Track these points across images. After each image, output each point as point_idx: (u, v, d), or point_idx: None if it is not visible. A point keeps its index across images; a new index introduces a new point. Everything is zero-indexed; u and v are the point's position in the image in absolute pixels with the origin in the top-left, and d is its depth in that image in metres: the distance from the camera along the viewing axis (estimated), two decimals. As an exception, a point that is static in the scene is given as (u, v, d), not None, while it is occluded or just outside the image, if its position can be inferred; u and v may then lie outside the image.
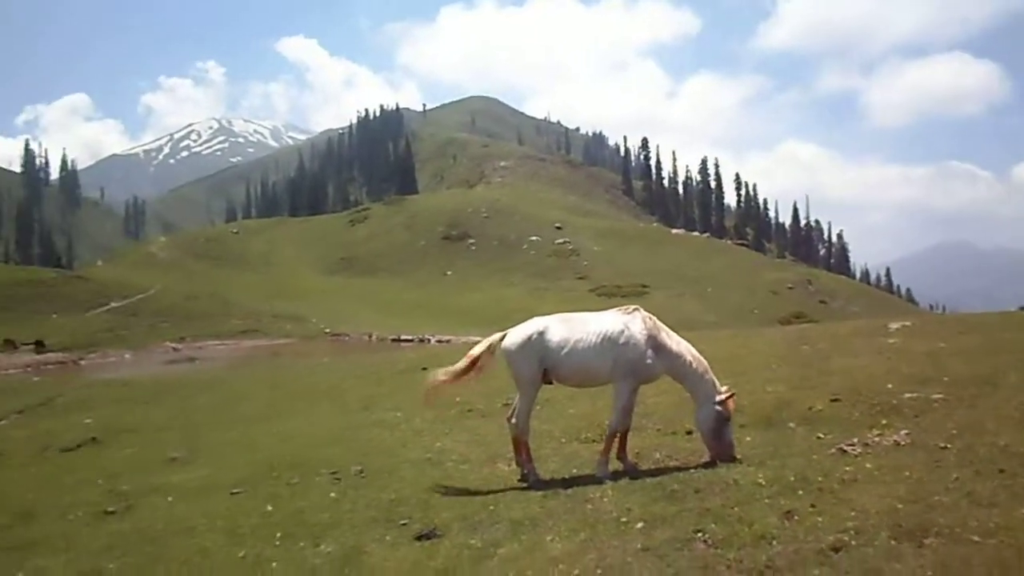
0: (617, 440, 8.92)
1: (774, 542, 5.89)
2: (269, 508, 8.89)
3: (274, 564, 6.99)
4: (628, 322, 8.88)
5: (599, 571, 5.84)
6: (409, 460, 10.68)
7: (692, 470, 8.32)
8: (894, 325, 19.06)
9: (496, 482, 9.04)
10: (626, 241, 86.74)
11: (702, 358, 8.98)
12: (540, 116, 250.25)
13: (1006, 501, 5.98)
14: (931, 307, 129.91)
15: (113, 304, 62.27)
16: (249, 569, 6.97)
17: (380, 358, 30.80)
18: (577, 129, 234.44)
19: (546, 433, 11.36)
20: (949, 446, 7.85)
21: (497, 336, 9.27)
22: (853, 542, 5.66)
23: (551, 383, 9.12)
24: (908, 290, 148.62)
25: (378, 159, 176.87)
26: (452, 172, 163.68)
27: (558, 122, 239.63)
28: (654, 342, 8.82)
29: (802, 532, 6.00)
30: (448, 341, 35.46)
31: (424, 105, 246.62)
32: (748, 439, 9.46)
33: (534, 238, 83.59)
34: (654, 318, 9.06)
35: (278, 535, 7.80)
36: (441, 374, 9.46)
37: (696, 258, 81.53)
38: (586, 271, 74.70)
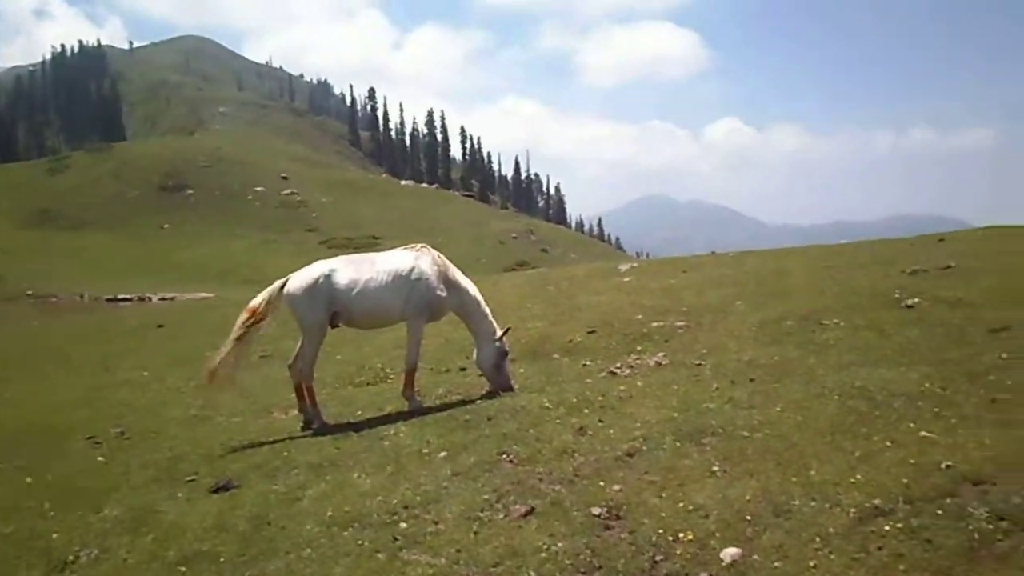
0: (404, 377, 9.03)
1: (575, 454, 6.39)
2: (28, 480, 7.96)
3: (54, 535, 6.32)
4: (418, 259, 8.97)
5: (418, 498, 5.98)
6: (174, 418, 10.09)
7: (478, 401, 8.72)
8: (623, 266, 20.91)
9: (278, 431, 8.87)
10: (356, 192, 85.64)
11: (481, 296, 9.31)
12: (261, 61, 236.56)
13: (762, 403, 6.95)
14: (637, 254, 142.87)
15: None
16: (23, 544, 6.23)
17: (101, 318, 28.06)
18: (301, 76, 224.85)
19: (317, 380, 11.13)
20: (703, 363, 8.91)
21: (277, 284, 8.91)
22: (644, 447, 6.29)
23: (337, 327, 9.00)
24: (618, 239, 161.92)
25: (78, 101, 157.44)
26: (166, 117, 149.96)
27: (281, 68, 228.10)
28: (445, 278, 9.03)
29: (598, 444, 6.55)
30: (172, 299, 32.97)
31: (131, 43, 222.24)
32: (522, 370, 10.07)
33: (260, 189, 79.65)
34: (441, 255, 9.23)
35: (47, 506, 7.04)
36: (223, 352, 8.77)
37: (425, 209, 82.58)
38: (316, 223, 72.69)
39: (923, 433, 5.68)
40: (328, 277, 8.70)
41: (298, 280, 8.77)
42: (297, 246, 61.76)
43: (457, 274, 9.19)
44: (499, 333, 9.14)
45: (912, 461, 5.19)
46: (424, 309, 8.93)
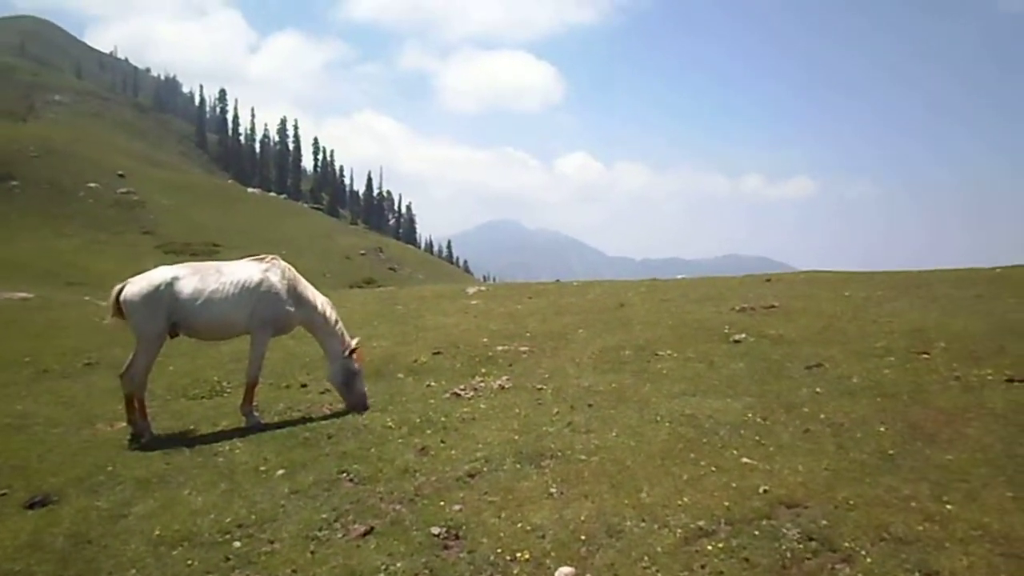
0: (244, 391, 8.73)
1: (416, 474, 6.41)
2: None
3: None
4: (267, 271, 8.73)
5: (253, 517, 5.79)
6: (-18, 427, 9.18)
7: (320, 420, 8.55)
8: (471, 289, 21.20)
9: (103, 444, 8.29)
10: (198, 197, 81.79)
11: (334, 312, 9.16)
12: (105, 50, 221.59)
13: (599, 427, 7.23)
14: (484, 278, 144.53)
15: None
16: None
17: None
18: (148, 70, 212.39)
19: (147, 391, 10.59)
20: (544, 387, 9.14)
21: (116, 288, 8.44)
22: (485, 468, 6.40)
23: (176, 336, 8.59)
24: (466, 262, 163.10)
25: None
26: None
27: (126, 60, 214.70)
28: (294, 292, 8.82)
29: (439, 464, 6.60)
30: None
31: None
32: (365, 389, 9.88)
33: (93, 185, 74.38)
34: (292, 268, 9.02)
35: None
36: None
37: (271, 219, 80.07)
38: (153, 225, 68.69)
39: (745, 460, 6.09)
40: (170, 285, 8.31)
41: (137, 286, 8.32)
42: (131, 248, 58.16)
43: (307, 289, 9.00)
44: (349, 348, 9.01)
45: (734, 485, 5.57)
46: (270, 323, 8.69)
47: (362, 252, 74.45)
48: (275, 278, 8.73)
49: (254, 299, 8.55)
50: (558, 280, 26.52)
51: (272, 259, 9.00)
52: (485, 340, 12.44)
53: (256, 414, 8.69)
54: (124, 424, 8.60)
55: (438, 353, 11.86)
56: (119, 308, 8.37)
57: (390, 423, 7.96)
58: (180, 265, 8.72)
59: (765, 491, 5.41)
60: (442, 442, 7.21)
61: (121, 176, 79.41)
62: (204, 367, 12.39)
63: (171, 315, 8.29)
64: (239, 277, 8.56)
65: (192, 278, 8.42)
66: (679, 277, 22.81)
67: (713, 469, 5.95)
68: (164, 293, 8.26)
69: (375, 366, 11.31)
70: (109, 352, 13.93)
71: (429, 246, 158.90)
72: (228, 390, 10.67)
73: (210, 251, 57.13)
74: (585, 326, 13.13)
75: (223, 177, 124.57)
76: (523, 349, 11.67)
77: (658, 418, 7.35)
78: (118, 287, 8.44)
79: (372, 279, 59.52)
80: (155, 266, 8.77)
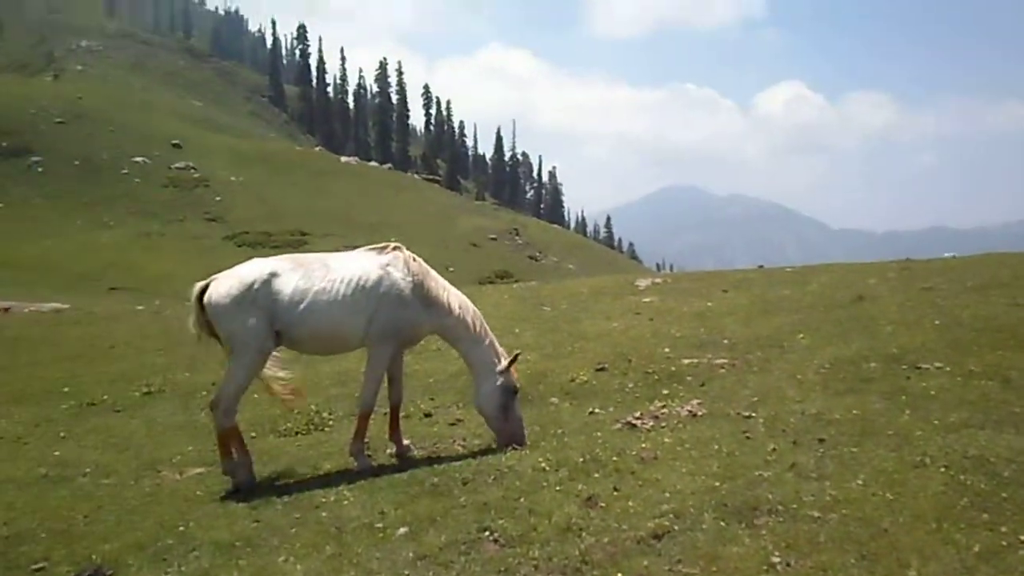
0: (356, 423, 9.09)
1: (582, 533, 6.42)
2: None
3: None
4: (388, 266, 9.05)
5: (369, 590, 5.97)
6: (14, 479, 9.83)
7: (451, 460, 8.75)
8: (642, 282, 21.16)
9: (170, 498, 8.77)
10: (277, 170, 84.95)
11: (478, 314, 9.39)
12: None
13: (837, 472, 7.03)
14: (658, 266, 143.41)
15: None
16: None
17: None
18: (202, 3, 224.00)
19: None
20: (753, 415, 9.02)
21: (198, 287, 8.92)
22: (675, 527, 6.34)
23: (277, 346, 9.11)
24: (631, 245, 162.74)
25: None
26: None
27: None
28: (422, 291, 9.10)
29: (612, 520, 6.59)
30: (8, 309, 31.93)
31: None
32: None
33: (139, 160, 78.49)
34: (419, 259, 9.30)
35: None
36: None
37: (373, 197, 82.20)
38: (219, 210, 71.67)
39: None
40: (267, 283, 8.74)
41: (225, 284, 8.77)
42: (193, 242, 61.20)
43: (440, 286, 9.27)
44: (504, 362, 9.19)
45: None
46: (393, 334, 9.00)
47: (492, 237, 75.71)
48: (398, 274, 9.02)
49: (373, 303, 8.86)
50: (762, 266, 26.04)
51: (394, 249, 9.28)
52: (666, 351, 12.43)
53: (367, 454, 9.01)
54: (198, 471, 9.13)
55: (602, 369, 12.00)
56: (202, 314, 8.84)
57: (543, 464, 8.01)
58: (277, 258, 9.14)
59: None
60: (615, 490, 7.19)
61: (176, 146, 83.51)
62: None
63: (272, 321, 8.70)
64: (353, 274, 8.90)
65: (293, 275, 8.82)
66: (947, 256, 21.89)
67: (1021, 539, 5.66)
68: (260, 293, 8.68)
69: (521, 388, 11.47)
70: (173, 377, 14.76)
71: (581, 225, 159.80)
72: (331, 422, 11.18)
73: (296, 242, 59.25)
74: (807, 329, 12.86)
75: (307, 143, 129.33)
76: (720, 362, 11.57)
77: (927, 460, 7.06)
78: (200, 285, 8.91)
79: (507, 272, 60.32)
80: (233, 265, 9.17)
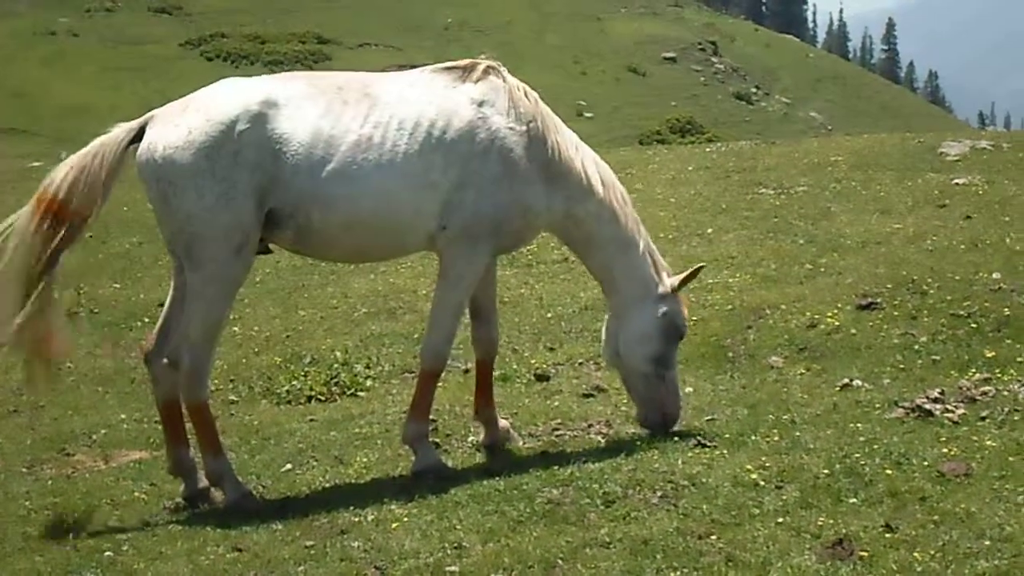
0: (417, 387, 6.12)
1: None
2: None
3: None
4: (483, 104, 5.81)
5: None
6: None
7: (584, 460, 5.75)
8: (953, 148, 15.58)
9: (84, 499, 6.06)
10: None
11: (628, 197, 6.27)
12: None
13: None
14: (981, 118, 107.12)
15: None
16: None
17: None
18: None
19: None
20: None
21: (122, 131, 5.61)
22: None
23: (269, 251, 6.62)
24: (933, 76, 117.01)
25: None
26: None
27: None
28: (542, 152, 5.87)
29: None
30: None
31: None
32: (689, 389, 7.12)
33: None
34: (533, 92, 6.03)
35: None
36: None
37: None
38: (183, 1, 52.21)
39: None
40: (261, 122, 5.45)
41: (184, 124, 5.46)
42: (129, 50, 44.17)
43: (570, 142, 6.10)
44: (669, 280, 6.21)
45: None
46: (490, 228, 5.84)
47: (669, 55, 54.83)
48: (500, 120, 5.79)
49: (456, 169, 5.68)
50: None
51: (488, 71, 5.97)
52: (995, 276, 8.86)
53: (433, 441, 6.20)
54: (136, 456, 6.89)
55: (870, 307, 8.52)
56: (112, 176, 5.52)
57: (754, 476, 5.23)
58: (279, 77, 6.15)
59: None
60: (887, 529, 4.46)
61: None
62: (312, 326, 9.93)
63: (263, 192, 5.43)
64: (419, 114, 5.66)
65: (309, 109, 5.55)
66: None
67: None
68: (246, 142, 5.34)
69: (716, 335, 8.43)
70: (93, 292, 11.56)
71: (836, 36, 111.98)
72: (368, 383, 8.32)
73: (310, 56, 43.19)
74: None
75: None
76: None
77: None
78: (130, 126, 5.61)
79: (694, 123, 41.55)
80: (197, 89, 5.83)
